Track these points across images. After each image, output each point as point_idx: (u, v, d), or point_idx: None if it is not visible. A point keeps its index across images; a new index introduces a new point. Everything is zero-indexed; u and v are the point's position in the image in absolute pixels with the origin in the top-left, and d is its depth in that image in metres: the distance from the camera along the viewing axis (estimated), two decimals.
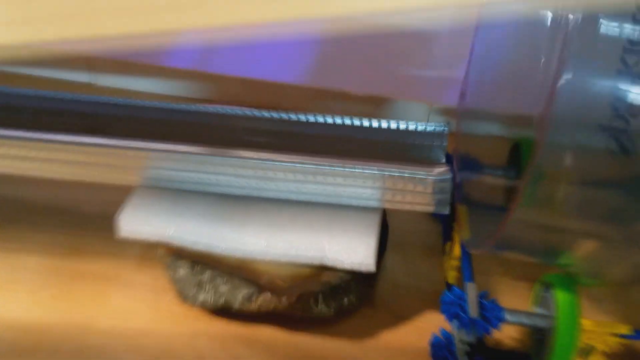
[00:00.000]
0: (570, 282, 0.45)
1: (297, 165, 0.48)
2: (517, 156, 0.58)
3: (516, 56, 0.58)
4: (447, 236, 0.58)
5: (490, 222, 0.57)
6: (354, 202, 0.49)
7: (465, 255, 0.51)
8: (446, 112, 0.77)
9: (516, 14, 0.56)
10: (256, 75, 0.71)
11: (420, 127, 0.55)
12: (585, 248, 0.40)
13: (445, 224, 0.60)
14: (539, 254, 0.44)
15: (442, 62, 0.74)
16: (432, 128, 0.54)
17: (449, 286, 0.54)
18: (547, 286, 0.47)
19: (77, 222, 0.58)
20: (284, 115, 0.56)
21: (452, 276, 0.54)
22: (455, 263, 0.53)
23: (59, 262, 0.54)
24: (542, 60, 0.57)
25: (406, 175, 0.47)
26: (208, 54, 0.71)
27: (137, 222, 0.49)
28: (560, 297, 0.44)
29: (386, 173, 0.47)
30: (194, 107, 0.56)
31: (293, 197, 0.49)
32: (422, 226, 0.61)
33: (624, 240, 0.39)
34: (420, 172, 0.47)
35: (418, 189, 0.48)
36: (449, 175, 0.47)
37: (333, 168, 0.47)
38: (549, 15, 0.56)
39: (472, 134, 0.57)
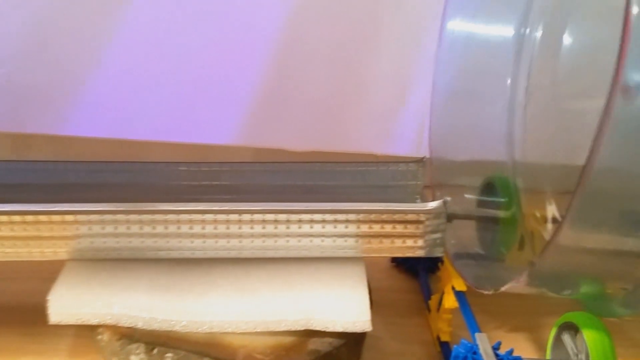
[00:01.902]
0: (596, 319, 0.39)
1: (265, 215, 0.40)
2: (491, 192, 0.53)
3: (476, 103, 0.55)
4: (428, 291, 0.52)
5: (491, 260, 0.52)
6: (336, 254, 0.42)
7: (465, 306, 0.44)
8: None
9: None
10: (189, 139, 0.64)
11: (391, 167, 0.48)
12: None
13: (423, 279, 0.54)
14: (569, 283, 0.38)
15: (381, 113, 0.70)
16: (405, 167, 0.48)
17: (442, 345, 0.47)
18: (567, 329, 0.41)
19: None
20: (229, 166, 0.48)
21: (445, 332, 0.47)
22: (448, 317, 0.46)
23: None
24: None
25: (397, 211, 0.40)
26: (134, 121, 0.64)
27: (71, 303, 0.39)
28: (591, 337, 0.38)
29: (374, 211, 0.40)
30: (127, 165, 0.47)
31: (265, 254, 0.41)
32: (398, 283, 0.54)
33: None
34: (412, 207, 0.41)
35: (409, 228, 0.41)
36: (444, 210, 0.41)
37: (310, 214, 0.40)
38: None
39: (445, 181, 0.53)
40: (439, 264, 0.49)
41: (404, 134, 0.69)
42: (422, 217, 0.41)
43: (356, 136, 0.70)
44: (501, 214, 0.52)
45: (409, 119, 0.69)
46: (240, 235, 0.41)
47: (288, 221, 0.41)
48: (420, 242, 0.42)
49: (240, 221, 0.40)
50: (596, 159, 0.29)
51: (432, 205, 0.41)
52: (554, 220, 0.48)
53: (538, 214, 0.52)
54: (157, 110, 0.66)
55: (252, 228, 0.41)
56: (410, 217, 0.41)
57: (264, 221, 0.40)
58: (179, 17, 0.64)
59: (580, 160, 0.32)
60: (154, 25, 0.64)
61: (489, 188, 0.53)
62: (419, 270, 0.54)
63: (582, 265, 0.38)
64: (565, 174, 0.50)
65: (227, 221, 0.40)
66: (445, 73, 0.54)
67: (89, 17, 0.63)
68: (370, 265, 0.50)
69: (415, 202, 0.47)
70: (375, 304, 0.48)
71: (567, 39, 0.49)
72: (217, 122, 0.66)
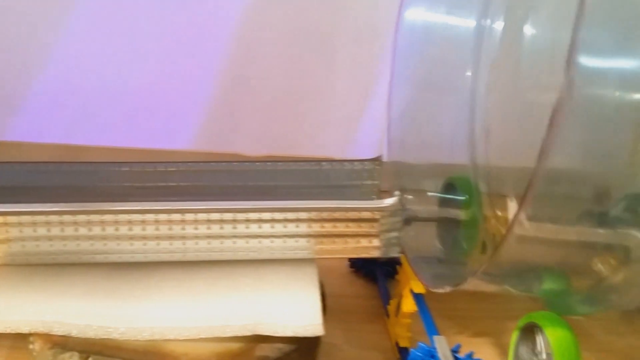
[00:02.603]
0: (561, 320, 0.37)
1: (210, 214, 0.38)
2: (452, 194, 0.51)
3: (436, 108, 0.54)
4: (387, 296, 0.49)
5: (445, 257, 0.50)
6: (287, 255, 0.39)
7: (424, 308, 0.42)
8: None
9: None
10: (141, 144, 0.62)
11: (347, 166, 0.46)
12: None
13: (382, 284, 0.52)
14: (531, 278, 0.36)
15: (342, 117, 0.68)
16: (361, 165, 0.46)
17: (401, 350, 0.45)
18: (530, 329, 0.39)
19: None
20: (176, 166, 0.45)
21: (404, 337, 0.44)
22: (406, 321, 0.44)
23: None
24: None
25: (351, 208, 0.38)
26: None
27: (0, 310, 0.36)
28: (555, 336, 0.36)
29: (326, 209, 0.38)
30: (66, 166, 0.44)
31: (211, 257, 0.39)
32: (357, 289, 0.52)
33: None
34: (366, 205, 0.39)
35: (363, 227, 0.39)
36: (400, 207, 0.39)
37: (258, 213, 0.38)
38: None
39: (405, 186, 0.51)
40: (398, 268, 0.47)
41: (365, 139, 0.67)
42: (377, 215, 0.39)
43: (315, 141, 0.68)
44: (462, 215, 0.50)
45: (371, 123, 0.68)
46: (183, 237, 0.38)
47: (234, 221, 0.38)
48: (375, 242, 0.40)
49: (183, 221, 0.38)
50: (549, 147, 0.28)
51: (388, 202, 0.39)
52: None
53: (500, 215, 0.50)
54: (108, 115, 0.64)
55: (196, 229, 0.38)
56: (364, 215, 0.39)
57: (208, 221, 0.38)
58: (132, 22, 0.62)
59: None
60: (107, 30, 0.62)
61: (449, 189, 0.52)
62: (377, 275, 0.52)
63: (542, 258, 0.37)
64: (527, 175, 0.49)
65: (169, 221, 0.38)
66: (403, 73, 0.53)
67: (34, 21, 0.60)
68: (328, 272, 0.48)
69: (367, 200, 0.45)
70: (333, 310, 0.46)
71: (528, 30, 0.47)
72: (171, 127, 0.64)
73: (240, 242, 0.39)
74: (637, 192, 0.45)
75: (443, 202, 0.52)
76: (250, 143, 0.65)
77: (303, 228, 0.39)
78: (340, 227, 0.39)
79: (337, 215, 0.39)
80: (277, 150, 0.65)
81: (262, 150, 0.65)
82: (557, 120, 0.27)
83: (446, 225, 0.51)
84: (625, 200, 0.50)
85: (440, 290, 0.39)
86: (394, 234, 0.40)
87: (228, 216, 0.38)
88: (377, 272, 0.52)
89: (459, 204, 0.50)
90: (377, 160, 0.46)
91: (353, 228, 0.39)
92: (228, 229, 0.38)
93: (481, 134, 0.53)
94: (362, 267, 0.53)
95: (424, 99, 0.52)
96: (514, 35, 0.49)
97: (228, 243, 0.39)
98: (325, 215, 0.39)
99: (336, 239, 0.39)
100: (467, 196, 0.50)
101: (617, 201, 0.47)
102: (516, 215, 0.30)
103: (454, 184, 0.51)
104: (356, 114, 0.69)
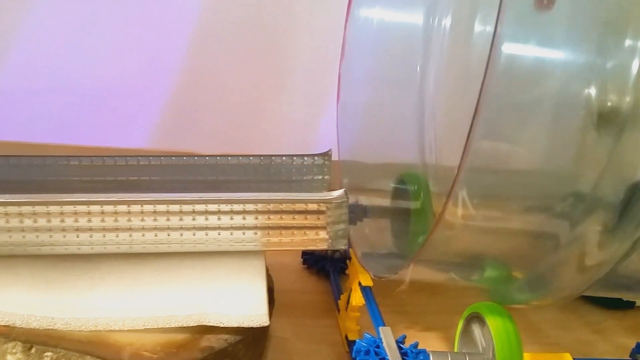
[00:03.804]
0: (502, 309, 0.38)
1: (156, 205, 0.38)
2: (404, 192, 0.52)
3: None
4: (339, 291, 0.50)
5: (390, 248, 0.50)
6: (234, 248, 0.40)
7: (371, 300, 0.43)
8: None
9: None
10: (97, 142, 0.61)
11: (297, 160, 0.47)
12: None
13: (333, 279, 0.52)
14: (473, 266, 0.37)
15: (299, 117, 0.69)
16: (311, 160, 0.47)
17: (350, 344, 0.45)
18: (474, 320, 0.39)
19: None
20: (125, 159, 0.45)
21: (353, 331, 0.45)
22: (355, 315, 0.45)
23: None
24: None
25: (297, 200, 0.39)
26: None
27: None
28: (495, 326, 0.37)
29: (272, 200, 0.38)
30: (13, 159, 0.44)
31: (158, 249, 0.39)
32: (310, 285, 0.53)
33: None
34: (312, 197, 0.39)
35: (310, 219, 0.39)
36: (346, 199, 0.40)
37: (204, 205, 0.38)
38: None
39: (357, 185, 0.52)
40: (349, 263, 0.48)
41: (324, 139, 0.68)
42: (324, 207, 0.40)
43: (272, 141, 0.68)
44: (413, 213, 0.51)
45: (329, 123, 0.68)
46: (130, 229, 0.38)
47: (181, 212, 0.38)
48: (322, 234, 0.40)
49: (129, 213, 0.38)
50: (475, 132, 0.29)
51: (334, 194, 0.40)
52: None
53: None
54: (63, 114, 0.64)
55: (142, 220, 0.38)
56: (311, 207, 0.40)
57: (155, 213, 0.38)
58: (86, 20, 0.62)
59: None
60: (61, 29, 0.61)
61: (400, 188, 0.53)
62: (330, 271, 0.53)
63: (482, 246, 0.37)
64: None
65: (115, 213, 0.38)
66: (353, 71, 0.53)
67: None
68: (281, 268, 0.49)
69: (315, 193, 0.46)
70: (284, 305, 0.46)
71: (478, 27, 0.48)
72: (128, 125, 0.64)
73: (187, 234, 0.39)
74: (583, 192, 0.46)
75: (395, 198, 0.53)
76: (207, 143, 0.65)
77: (250, 220, 0.39)
78: (287, 220, 0.39)
79: (283, 207, 0.39)
80: (234, 151, 0.66)
81: (218, 151, 0.65)
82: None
83: (399, 221, 0.52)
84: (572, 198, 0.51)
85: (386, 277, 0.39)
86: (341, 226, 0.40)
87: (174, 208, 0.38)
88: (330, 268, 0.53)
89: (409, 197, 0.51)
90: (326, 154, 0.47)
91: (300, 220, 0.40)
92: (175, 221, 0.39)
93: (430, 132, 0.54)
94: (315, 263, 0.54)
95: (375, 97, 0.53)
96: (462, 32, 0.50)
97: (175, 235, 0.39)
98: (272, 207, 0.39)
99: (283, 232, 0.40)
100: (417, 188, 0.51)
101: (563, 199, 0.48)
102: (447, 199, 0.30)
103: (405, 181, 0.52)
104: (315, 114, 0.70)
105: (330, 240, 0.41)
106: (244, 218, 0.39)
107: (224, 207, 0.39)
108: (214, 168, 0.46)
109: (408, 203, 0.51)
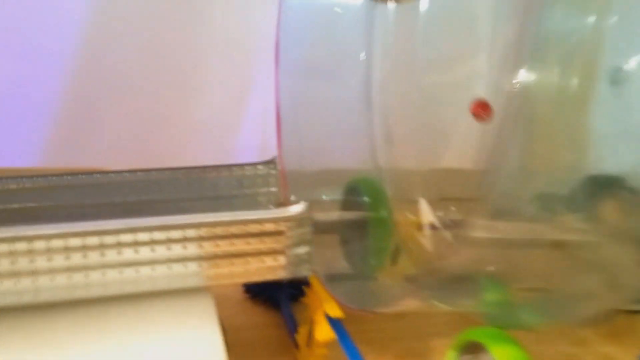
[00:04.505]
0: (506, 334, 0.32)
1: (68, 239, 0.29)
2: (357, 199, 0.45)
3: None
4: (294, 324, 0.42)
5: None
6: (174, 285, 0.31)
7: (343, 335, 0.35)
8: None
9: None
10: None
11: (235, 171, 0.39)
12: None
13: (286, 309, 0.44)
14: (469, 289, 0.30)
15: (217, 122, 0.61)
16: (253, 170, 0.39)
17: None
18: (470, 349, 0.33)
19: None
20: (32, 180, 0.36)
21: None
22: (321, 352, 0.37)
23: None
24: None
25: (250, 220, 0.31)
26: None
27: None
28: (504, 356, 0.31)
29: (219, 223, 0.30)
30: None
31: (73, 295, 0.30)
32: (256, 318, 0.44)
33: None
34: (268, 215, 0.31)
35: (267, 242, 0.32)
36: (308, 214, 0.32)
37: (133, 234, 0.30)
38: None
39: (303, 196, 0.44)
40: (304, 288, 0.40)
41: (246, 144, 0.60)
42: (283, 227, 0.32)
43: (187, 150, 0.60)
44: (370, 222, 0.44)
45: (251, 127, 0.60)
46: (34, 272, 0.29)
47: (102, 246, 0.29)
48: (282, 260, 0.33)
49: (31, 252, 0.29)
50: None
51: (294, 210, 0.32)
52: (432, 226, 0.42)
53: (412, 219, 0.45)
54: None
55: (49, 260, 0.29)
56: (267, 227, 0.32)
57: (66, 249, 0.29)
58: None
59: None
60: None
61: (353, 195, 0.46)
62: (280, 300, 0.45)
63: (484, 263, 0.31)
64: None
65: (12, 253, 0.28)
66: (290, 65, 0.46)
67: None
68: (220, 301, 0.40)
69: (267, 209, 0.38)
70: (230, 346, 0.38)
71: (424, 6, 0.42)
72: (15, 141, 0.54)
73: (112, 273, 0.30)
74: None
75: (345, 209, 0.46)
76: (112, 156, 0.55)
77: (192, 249, 0.31)
78: (239, 245, 0.31)
79: (234, 229, 0.31)
80: (145, 163, 0.57)
81: (127, 164, 0.56)
82: None
83: (351, 236, 0.45)
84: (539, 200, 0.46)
85: (366, 312, 0.32)
86: (305, 248, 0.33)
87: (92, 241, 0.29)
88: (279, 296, 0.45)
89: (364, 209, 0.44)
90: (272, 162, 0.39)
91: (255, 245, 0.32)
92: (94, 257, 0.30)
93: (381, 129, 0.47)
94: (261, 292, 0.46)
95: (315, 91, 0.46)
96: (408, 11, 0.44)
97: (95, 276, 0.30)
98: (219, 231, 0.31)
99: (235, 260, 0.32)
100: (375, 203, 0.44)
101: (530, 201, 0.43)
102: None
103: (357, 189, 0.45)
104: (232, 119, 0.62)
105: (292, 267, 0.33)
106: (185, 247, 0.31)
107: (158, 235, 0.30)
108: (134, 186, 0.37)
109: (362, 214, 0.44)
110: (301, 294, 0.41)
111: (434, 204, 0.41)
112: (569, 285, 0.31)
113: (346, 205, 0.46)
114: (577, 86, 0.45)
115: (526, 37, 0.46)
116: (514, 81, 0.45)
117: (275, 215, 0.32)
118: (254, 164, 0.39)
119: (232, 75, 0.60)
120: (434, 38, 0.45)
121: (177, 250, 0.31)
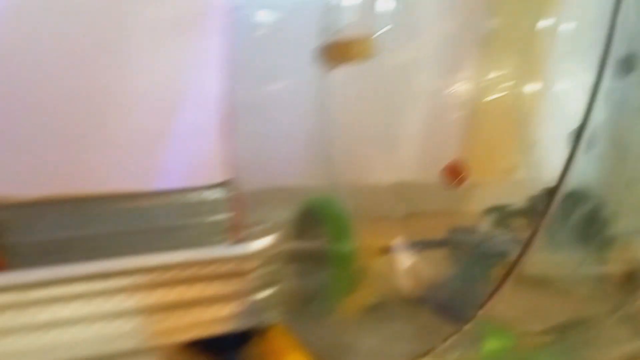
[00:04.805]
0: None
1: None
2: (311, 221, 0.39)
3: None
4: None
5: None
6: (109, 349, 0.24)
7: None
8: None
9: None
10: None
11: (178, 198, 0.32)
12: None
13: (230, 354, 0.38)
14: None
15: (142, 139, 0.54)
16: (198, 195, 0.32)
17: None
18: None
19: None
20: None
21: None
22: None
23: None
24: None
25: (209, 261, 0.24)
26: None
27: None
28: None
29: (171, 267, 0.24)
30: None
31: None
32: None
33: None
34: (231, 252, 0.25)
35: (231, 285, 0.25)
36: (278, 249, 0.26)
37: (60, 287, 0.23)
38: None
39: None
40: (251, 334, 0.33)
41: (175, 162, 0.54)
42: (248, 266, 0.26)
43: (107, 174, 0.52)
44: (330, 257, 0.38)
45: (181, 145, 0.54)
46: None
47: (17, 306, 0.22)
48: (247, 305, 0.26)
49: None
50: None
51: (261, 244, 0.26)
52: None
53: (373, 243, 0.40)
54: None
55: None
56: (229, 267, 0.25)
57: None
58: None
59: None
60: None
61: (308, 218, 0.40)
62: (224, 347, 0.38)
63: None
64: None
65: None
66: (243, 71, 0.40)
67: None
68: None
69: (225, 245, 0.32)
70: None
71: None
72: None
73: (31, 339, 0.23)
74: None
75: (301, 234, 0.40)
76: (18, 182, 0.47)
77: (132, 302, 0.24)
78: (196, 291, 0.25)
79: (188, 273, 0.25)
80: (60, 189, 0.49)
81: (38, 191, 0.48)
82: None
83: (305, 264, 0.39)
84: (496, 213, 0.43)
85: None
86: (271, 290, 0.27)
87: (6, 299, 0.22)
88: (224, 343, 0.38)
89: (321, 235, 0.39)
90: (226, 184, 0.33)
91: (215, 289, 0.25)
92: (8, 317, 0.22)
93: (340, 140, 0.42)
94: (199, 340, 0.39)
95: (268, 99, 0.40)
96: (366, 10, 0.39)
97: (8, 341, 0.23)
98: (170, 276, 0.25)
99: (189, 311, 0.25)
100: (331, 225, 0.38)
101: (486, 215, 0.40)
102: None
103: (312, 211, 0.39)
104: (163, 133, 0.55)
105: (257, 313, 0.27)
106: (125, 299, 0.24)
107: (95, 286, 0.23)
108: (50, 222, 0.30)
109: (322, 246, 0.39)
110: (247, 339, 0.34)
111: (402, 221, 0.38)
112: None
113: (302, 230, 0.40)
114: (524, 91, 0.43)
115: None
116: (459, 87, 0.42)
117: (240, 253, 0.26)
118: (201, 189, 0.32)
119: (159, 89, 0.53)
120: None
121: (115, 303, 0.24)
